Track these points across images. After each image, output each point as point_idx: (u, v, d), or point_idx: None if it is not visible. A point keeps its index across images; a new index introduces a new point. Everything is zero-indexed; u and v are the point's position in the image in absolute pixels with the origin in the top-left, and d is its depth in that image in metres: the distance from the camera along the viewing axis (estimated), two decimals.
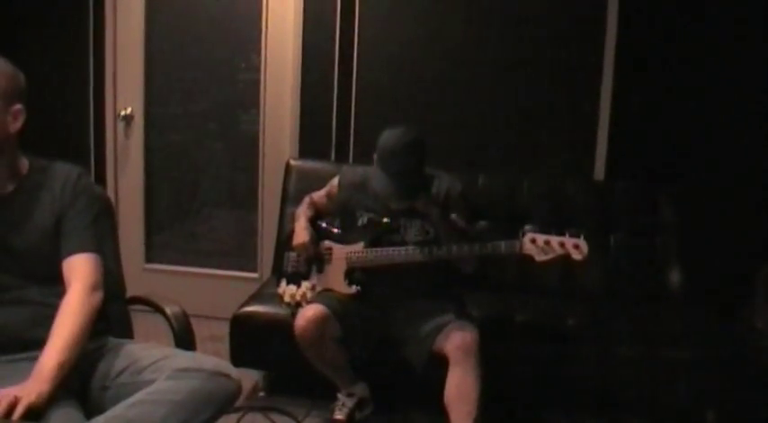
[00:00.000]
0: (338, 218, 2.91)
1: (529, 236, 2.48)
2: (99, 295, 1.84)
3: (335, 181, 2.93)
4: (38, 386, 1.61)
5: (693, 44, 3.46)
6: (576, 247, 2.42)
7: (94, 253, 1.89)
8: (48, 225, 1.87)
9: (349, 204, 2.85)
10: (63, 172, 1.93)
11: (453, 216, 2.71)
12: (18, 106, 1.83)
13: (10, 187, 1.87)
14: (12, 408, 1.55)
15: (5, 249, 1.82)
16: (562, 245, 2.44)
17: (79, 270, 1.84)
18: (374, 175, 2.65)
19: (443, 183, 2.75)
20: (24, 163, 1.92)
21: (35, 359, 1.68)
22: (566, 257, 2.44)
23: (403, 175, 2.57)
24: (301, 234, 2.82)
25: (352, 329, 2.70)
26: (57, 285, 1.83)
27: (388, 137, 2.62)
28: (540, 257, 2.46)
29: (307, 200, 2.97)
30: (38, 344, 1.72)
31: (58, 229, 1.87)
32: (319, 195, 2.97)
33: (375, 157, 2.66)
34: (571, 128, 3.63)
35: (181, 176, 4.19)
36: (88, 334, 1.77)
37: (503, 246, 2.53)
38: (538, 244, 2.46)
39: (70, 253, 1.86)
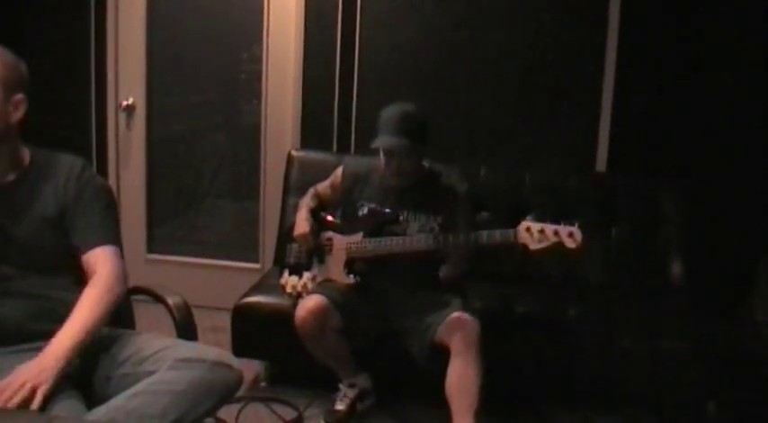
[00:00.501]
0: (340, 208, 2.91)
1: (524, 224, 2.48)
2: (123, 287, 1.86)
3: (339, 171, 2.93)
4: (48, 371, 1.61)
5: (695, 38, 3.45)
6: (571, 235, 2.42)
7: (115, 245, 1.90)
8: (50, 216, 1.86)
9: (351, 194, 2.85)
10: (66, 163, 1.93)
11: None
12: (19, 96, 1.82)
13: (11, 177, 1.87)
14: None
15: (5, 239, 1.82)
16: (556, 233, 2.44)
17: (104, 261, 1.85)
18: (376, 159, 2.66)
19: (450, 180, 2.76)
20: (26, 153, 1.91)
21: (37, 350, 1.68)
22: (560, 245, 2.44)
23: (403, 129, 2.61)
24: (302, 225, 2.82)
25: (353, 320, 2.70)
26: (57, 277, 1.83)
27: (391, 106, 2.70)
28: (534, 246, 2.46)
29: (311, 191, 2.97)
30: (39, 336, 1.73)
31: (61, 220, 1.87)
32: (323, 186, 2.97)
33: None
34: (573, 120, 3.62)
35: (183, 167, 4.19)
36: (104, 324, 1.79)
37: (498, 234, 2.53)
38: (532, 232, 2.46)
39: (92, 246, 1.86)
